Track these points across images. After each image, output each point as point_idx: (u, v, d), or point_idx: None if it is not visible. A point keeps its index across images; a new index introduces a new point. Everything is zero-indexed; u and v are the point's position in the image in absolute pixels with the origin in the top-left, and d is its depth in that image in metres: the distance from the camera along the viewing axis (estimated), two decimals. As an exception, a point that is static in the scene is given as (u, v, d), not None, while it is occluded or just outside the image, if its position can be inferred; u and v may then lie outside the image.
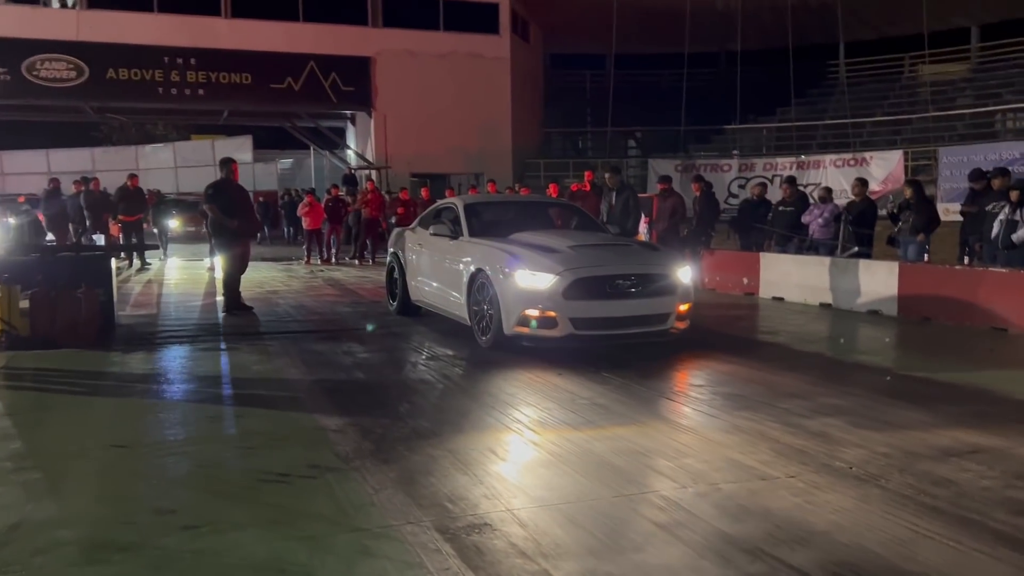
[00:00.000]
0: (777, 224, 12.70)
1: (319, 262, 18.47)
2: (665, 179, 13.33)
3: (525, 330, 7.20)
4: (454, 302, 8.32)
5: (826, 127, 33.59)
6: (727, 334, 8.80)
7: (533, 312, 7.14)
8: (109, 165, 35.87)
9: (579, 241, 7.79)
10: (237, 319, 9.57)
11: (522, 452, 4.54)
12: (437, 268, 8.77)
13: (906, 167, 28.46)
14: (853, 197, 11.87)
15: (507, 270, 7.29)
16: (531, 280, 7.15)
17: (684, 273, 7.65)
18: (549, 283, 7.09)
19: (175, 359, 7.30)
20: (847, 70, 35.72)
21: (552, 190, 14.75)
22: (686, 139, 34.56)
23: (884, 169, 29.27)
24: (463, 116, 29.60)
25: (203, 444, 4.71)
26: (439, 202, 9.78)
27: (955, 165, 25.84)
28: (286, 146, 36.47)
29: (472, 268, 7.82)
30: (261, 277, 15.11)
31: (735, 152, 32.81)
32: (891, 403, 5.62)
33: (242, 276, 10.21)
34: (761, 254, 12.30)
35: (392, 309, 10.08)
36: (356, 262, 18.28)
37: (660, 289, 7.42)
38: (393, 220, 18.09)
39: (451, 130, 29.32)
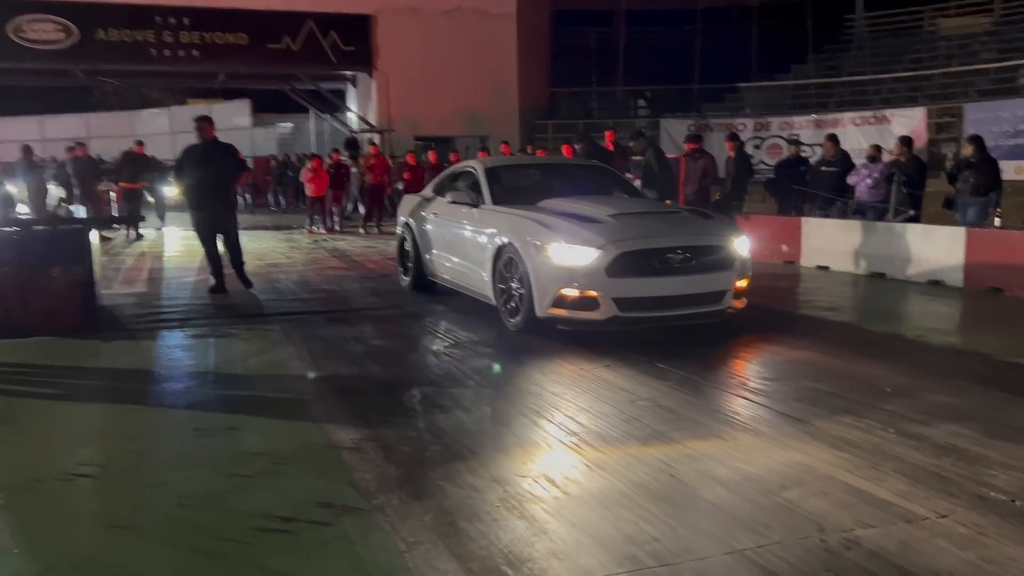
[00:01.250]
0: (819, 185, 11.68)
1: (323, 231, 17.50)
2: (695, 138, 12.28)
3: (561, 312, 6.26)
4: (476, 279, 7.38)
5: (843, 84, 32.31)
6: (781, 310, 7.85)
7: (571, 292, 6.19)
8: (104, 131, 34.77)
9: (621, 209, 6.81)
10: (240, 297, 8.65)
11: (588, 481, 3.60)
12: (456, 241, 7.82)
13: (928, 124, 27.38)
14: (898, 157, 10.82)
15: (539, 243, 6.34)
16: (568, 255, 6.20)
17: (742, 244, 6.68)
18: (590, 258, 6.13)
19: (162, 350, 6.35)
20: (865, 24, 34.32)
21: (566, 152, 13.71)
22: (698, 98, 33.35)
23: (906, 127, 28.11)
24: (468, 76, 28.39)
25: (188, 470, 3.79)
26: (455, 165, 8.79)
27: (981, 122, 24.63)
28: (286, 110, 35.20)
29: (497, 241, 6.86)
30: (261, 248, 14.15)
31: (746, 111, 31.71)
32: (1014, 401, 4.69)
33: (229, 252, 9.09)
34: (803, 219, 11.30)
35: (405, 285, 9.14)
36: (361, 231, 17.30)
37: (716, 263, 6.47)
38: (400, 186, 17.08)
39: (456, 91, 28.13)
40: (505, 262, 6.78)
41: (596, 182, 8.19)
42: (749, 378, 5.33)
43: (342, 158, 18.70)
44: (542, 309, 6.31)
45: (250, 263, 11.86)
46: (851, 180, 11.20)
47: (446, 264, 8.05)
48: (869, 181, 10.90)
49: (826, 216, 11.48)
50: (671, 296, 6.25)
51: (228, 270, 9.01)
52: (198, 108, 34.88)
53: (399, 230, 9.37)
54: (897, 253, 9.68)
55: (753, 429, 4.23)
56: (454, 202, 7.74)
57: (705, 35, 32.58)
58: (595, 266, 6.12)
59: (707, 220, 6.94)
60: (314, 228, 17.52)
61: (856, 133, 27.37)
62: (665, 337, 6.39)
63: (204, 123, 8.74)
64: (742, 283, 6.65)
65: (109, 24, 25.03)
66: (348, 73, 30.49)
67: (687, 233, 6.52)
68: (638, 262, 6.18)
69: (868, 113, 28.55)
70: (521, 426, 4.32)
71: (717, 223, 6.90)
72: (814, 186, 11.74)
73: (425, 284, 8.77)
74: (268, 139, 33.41)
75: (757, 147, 28.01)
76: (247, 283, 9.17)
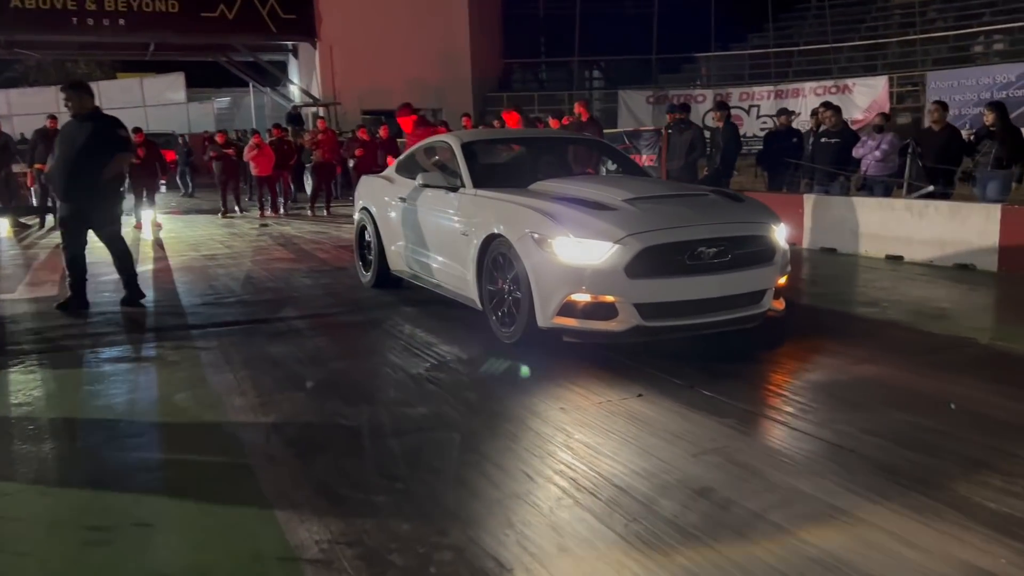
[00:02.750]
0: (819, 159, 10.61)
1: (272, 214, 16.03)
2: (682, 108, 11.11)
3: (570, 322, 5.04)
4: (456, 278, 6.13)
5: (801, 53, 31.50)
6: (810, 306, 6.75)
7: (582, 297, 4.97)
8: (27, 108, 32.27)
9: (636, 192, 5.57)
10: (169, 300, 7.25)
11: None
12: (429, 232, 6.53)
13: (890, 93, 26.81)
14: (931, 125, 9.77)
15: (540, 237, 5.10)
16: (577, 251, 4.97)
17: (781, 232, 5.53)
18: (605, 255, 4.91)
19: (56, 386, 4.90)
20: (821, -9, 33.55)
21: (554, 126, 12.43)
22: (654, 69, 32.28)
23: (868, 97, 27.53)
24: (417, 46, 26.88)
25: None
26: (424, 140, 7.47)
27: (943, 91, 23.97)
28: (223, 83, 33.22)
29: (483, 233, 5.60)
30: (196, 236, 12.65)
31: (697, 82, 30.87)
32: None
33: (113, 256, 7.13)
34: (805, 196, 10.21)
35: (365, 282, 7.83)
36: (309, 214, 15.83)
37: (755, 257, 5.29)
38: (351, 164, 15.64)
39: (405, 62, 26.60)
40: (494, 259, 5.53)
41: (591, 160, 6.96)
42: (824, 411, 4.15)
43: (285, 135, 17.14)
44: (545, 318, 5.08)
45: (184, 254, 10.43)
46: (857, 152, 10.15)
47: (417, 259, 6.77)
48: (878, 153, 9.85)
49: (826, 192, 10.42)
50: (705, 299, 5.05)
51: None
52: (129, 82, 32.74)
53: (357, 216, 8.04)
54: (917, 234, 8.65)
55: (874, 501, 3.05)
56: (426, 185, 6.44)
57: (662, 4, 31.42)
58: (612, 265, 4.90)
59: (739, 204, 5.75)
60: (265, 211, 16.04)
61: (817, 103, 26.69)
62: (693, 348, 5.22)
63: (73, 94, 6.70)
64: (782, 280, 5.50)
65: (23, -11, 23.01)
66: (289, 43, 28.76)
67: (720, 221, 5.31)
68: (664, 258, 4.97)
69: (829, 82, 27.90)
70: (556, 513, 3.07)
71: (752, 207, 5.71)
72: (813, 159, 10.66)
73: (389, 280, 7.50)
74: (205, 115, 31.39)
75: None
76: (134, 298, 7.04)
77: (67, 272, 6.90)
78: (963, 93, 24.91)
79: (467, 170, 6.28)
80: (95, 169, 6.50)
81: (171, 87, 31.32)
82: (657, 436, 3.76)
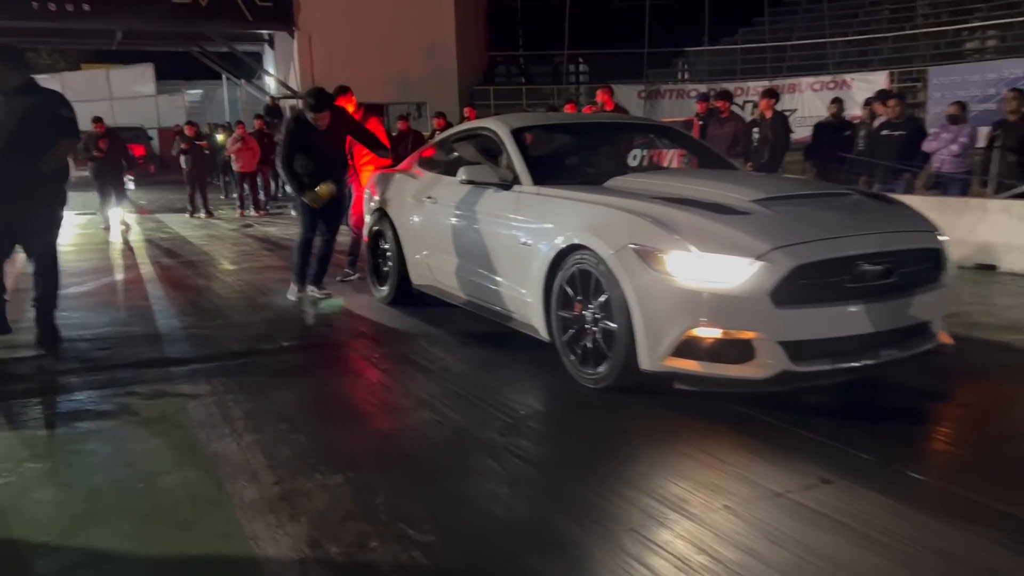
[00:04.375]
0: (880, 153, 9.40)
1: (255, 213, 14.62)
2: (723, 95, 9.87)
3: (689, 364, 3.74)
4: (510, 298, 4.82)
5: (795, 48, 30.56)
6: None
7: (708, 333, 3.68)
8: (-17, 101, 30.55)
9: (765, 190, 4.27)
10: (141, 325, 5.86)
11: None
12: (471, 240, 5.20)
13: (891, 89, 25.93)
14: (1007, 116, 8.60)
15: (647, 250, 3.80)
16: (704, 270, 3.68)
17: (947, 245, 4.28)
18: (743, 275, 3.62)
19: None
20: (813, -15, 32.60)
21: (569, 108, 11.13)
22: (642, 64, 31.15)
23: (867, 92, 26.63)
24: (400, 37, 25.46)
25: None
26: (456, 128, 6.14)
27: (947, 86, 23.06)
28: (195, 75, 31.53)
29: (556, 244, 4.29)
30: (170, 240, 11.22)
31: (685, 76, 29.89)
32: None
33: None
34: (872, 196, 8.97)
35: (380, 297, 6.50)
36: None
37: (922, 276, 4.03)
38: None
39: (387, 53, 25.18)
40: (572, 277, 4.22)
41: (672, 152, 5.68)
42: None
43: (266, 128, 15.73)
44: (654, 359, 3.78)
45: (159, 260, 9.01)
46: (929, 146, 8.96)
47: (451, 272, 5.45)
48: (955, 147, 8.66)
49: (890, 191, 9.22)
50: (871, 333, 3.77)
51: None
52: (95, 74, 31.02)
53: (369, 220, 6.70)
54: (1019, 239, 7.46)
55: None
56: (469, 182, 5.10)
57: (652, -3, 30.32)
58: (752, 288, 3.61)
59: (893, 207, 4.48)
60: (245, 210, 14.61)
61: (814, 99, 25.82)
62: (846, 398, 3.96)
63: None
64: (951, 306, 4.25)
65: (-22, -29, 21.26)
66: (265, 33, 27.05)
67: (884, 229, 4.02)
68: (820, 280, 3.69)
69: (827, 78, 27.09)
70: None
71: (907, 212, 4.44)
72: (875, 154, 9.45)
73: (409, 296, 6.18)
74: (175, 108, 29.79)
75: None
76: (48, 338, 5.27)
77: None
78: (967, 89, 23.98)
79: (523, 163, 4.97)
80: (30, 159, 4.89)
81: (139, 79, 29.71)
82: (907, 568, 2.46)
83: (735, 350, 3.68)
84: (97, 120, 12.27)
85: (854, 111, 24.94)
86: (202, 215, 14.63)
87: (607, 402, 3.94)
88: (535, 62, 34.86)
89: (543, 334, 4.56)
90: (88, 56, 34.08)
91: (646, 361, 3.82)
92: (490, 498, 2.98)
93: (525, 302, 4.68)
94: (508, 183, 4.92)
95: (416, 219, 5.89)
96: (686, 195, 4.21)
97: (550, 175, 4.93)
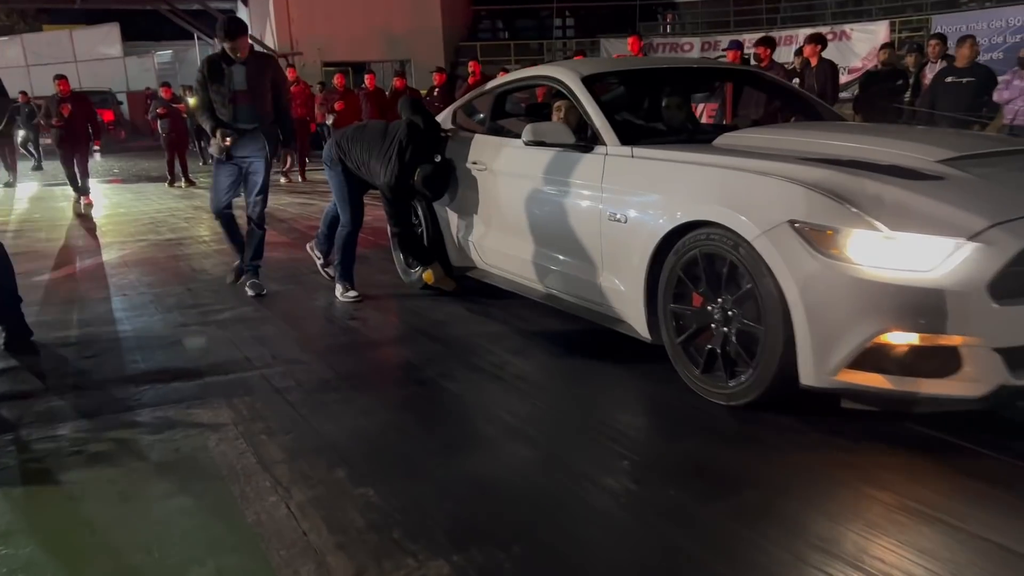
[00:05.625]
0: (944, 103, 8.48)
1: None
2: (766, 41, 8.90)
3: (873, 379, 2.84)
4: (593, 288, 3.90)
5: (792, -5, 29.61)
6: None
7: (903, 339, 2.78)
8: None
9: (949, 147, 3.34)
10: (132, 322, 4.87)
11: None
12: (539, 215, 4.25)
13: (893, 40, 25.04)
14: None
15: (814, 228, 2.88)
16: (897, 255, 2.78)
17: None
18: (951, 262, 2.72)
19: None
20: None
21: (632, 45, 10.08)
22: (631, 16, 30.04)
23: (868, 43, 25.82)
24: (382, -9, 24.29)
25: None
26: (504, 78, 5.13)
27: (952, 35, 22.21)
28: (163, 36, 29.93)
29: (669, 220, 3.37)
30: (151, 213, 10.15)
31: (667, 29, 28.92)
32: None
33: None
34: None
35: (409, 280, 5.54)
36: (283, 180, 13.31)
37: None
38: (331, 121, 13.12)
39: (369, 8, 23.99)
40: (687, 263, 3.30)
41: (768, 100, 4.74)
42: None
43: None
44: (823, 372, 2.88)
45: (141, 238, 7.98)
46: (1001, 96, 8.05)
47: (511, 254, 4.51)
48: (1034, 95, 7.77)
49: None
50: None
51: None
52: (57, 35, 29.44)
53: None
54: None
55: None
56: (537, 142, 4.13)
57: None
58: (963, 279, 2.71)
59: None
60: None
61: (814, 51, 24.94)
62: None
63: None
64: None
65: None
66: (239, -12, 25.72)
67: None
68: (1050, 266, 2.80)
69: (825, 29, 26.11)
70: None
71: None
72: (937, 105, 8.53)
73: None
74: (144, 71, 28.29)
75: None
76: (17, 342, 4.43)
77: None
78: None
79: (604, 119, 4.00)
80: None
81: (105, 40, 28.14)
82: None
83: (937, 360, 2.79)
84: (60, 77, 11.05)
85: (853, 63, 24.10)
86: (182, 184, 13.49)
87: (747, 424, 3.04)
88: (520, 15, 33.57)
89: (643, 332, 3.64)
90: (49, 16, 32.36)
91: (810, 374, 2.92)
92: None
93: (616, 291, 3.76)
94: (589, 144, 3.96)
95: (462, 192, 4.92)
96: (842, 155, 3.28)
97: (640, 133, 3.99)
